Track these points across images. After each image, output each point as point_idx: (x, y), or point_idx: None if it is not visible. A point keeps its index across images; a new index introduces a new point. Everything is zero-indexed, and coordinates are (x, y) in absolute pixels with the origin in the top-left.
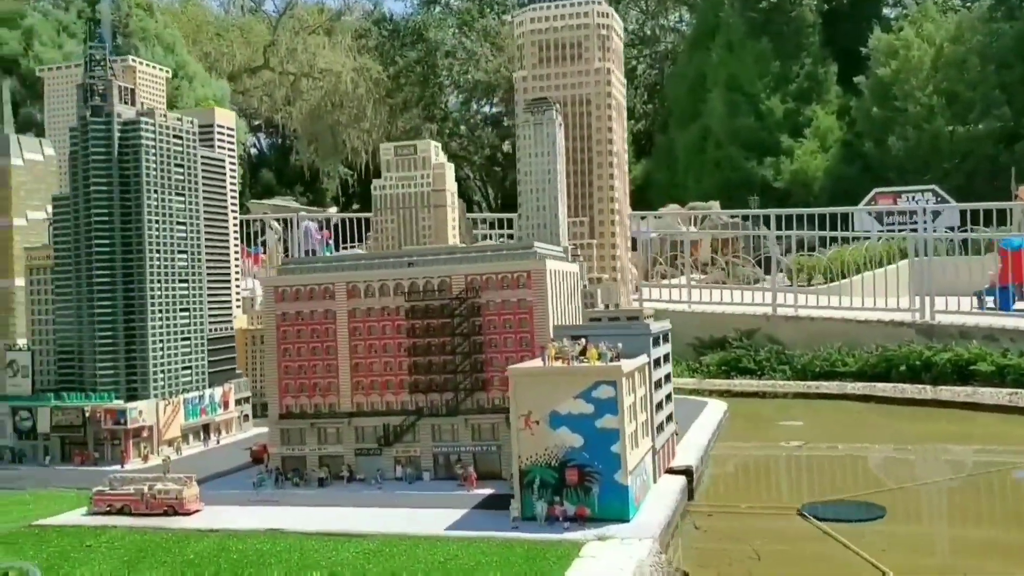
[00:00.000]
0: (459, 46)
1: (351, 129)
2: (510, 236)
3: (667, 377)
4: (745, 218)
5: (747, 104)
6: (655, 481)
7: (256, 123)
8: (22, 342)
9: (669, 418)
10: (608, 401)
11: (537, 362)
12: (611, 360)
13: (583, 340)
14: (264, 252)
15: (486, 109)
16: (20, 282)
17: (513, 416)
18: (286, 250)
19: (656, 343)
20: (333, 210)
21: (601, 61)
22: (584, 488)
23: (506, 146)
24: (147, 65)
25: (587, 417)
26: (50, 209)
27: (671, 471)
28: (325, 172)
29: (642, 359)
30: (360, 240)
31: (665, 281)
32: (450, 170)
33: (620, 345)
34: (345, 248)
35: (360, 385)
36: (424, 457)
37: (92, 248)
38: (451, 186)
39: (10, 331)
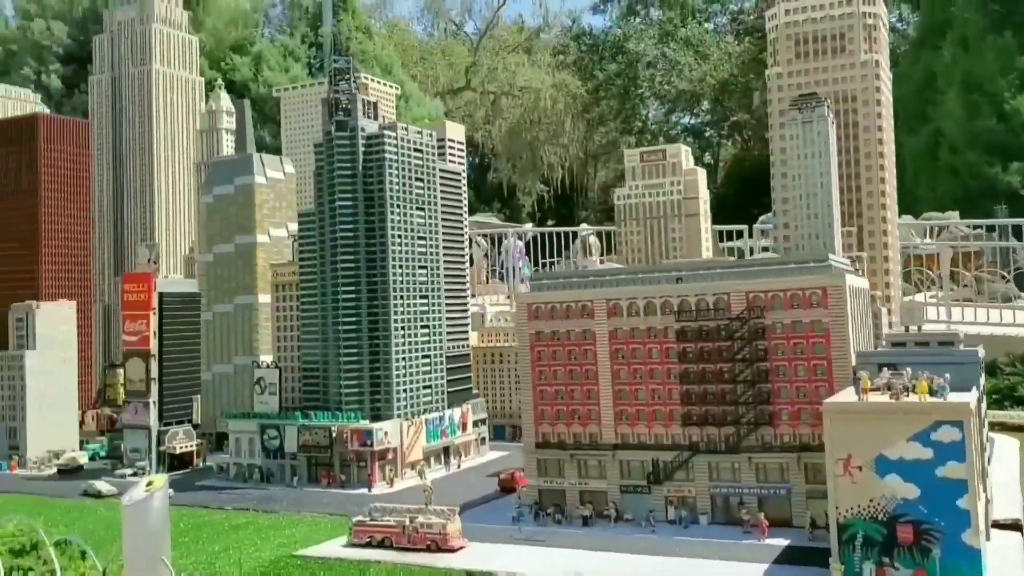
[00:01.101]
0: (660, 56)
1: (548, 145)
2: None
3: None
4: (991, 229)
5: (988, 105)
6: (988, 538)
7: None
8: (265, 358)
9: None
10: (952, 445)
11: (849, 395)
12: (942, 394)
13: (907, 370)
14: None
15: (685, 120)
16: (264, 298)
17: (829, 460)
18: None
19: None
20: (529, 226)
21: (868, 53)
22: (922, 549)
23: (707, 157)
24: (378, 82)
25: (925, 464)
26: (292, 227)
27: (997, 524)
28: (522, 189)
29: (975, 393)
30: (558, 255)
31: (907, 299)
32: (702, 176)
33: (948, 376)
34: (544, 264)
35: (624, 414)
36: (700, 498)
37: (337, 264)
38: (703, 193)
39: (254, 347)
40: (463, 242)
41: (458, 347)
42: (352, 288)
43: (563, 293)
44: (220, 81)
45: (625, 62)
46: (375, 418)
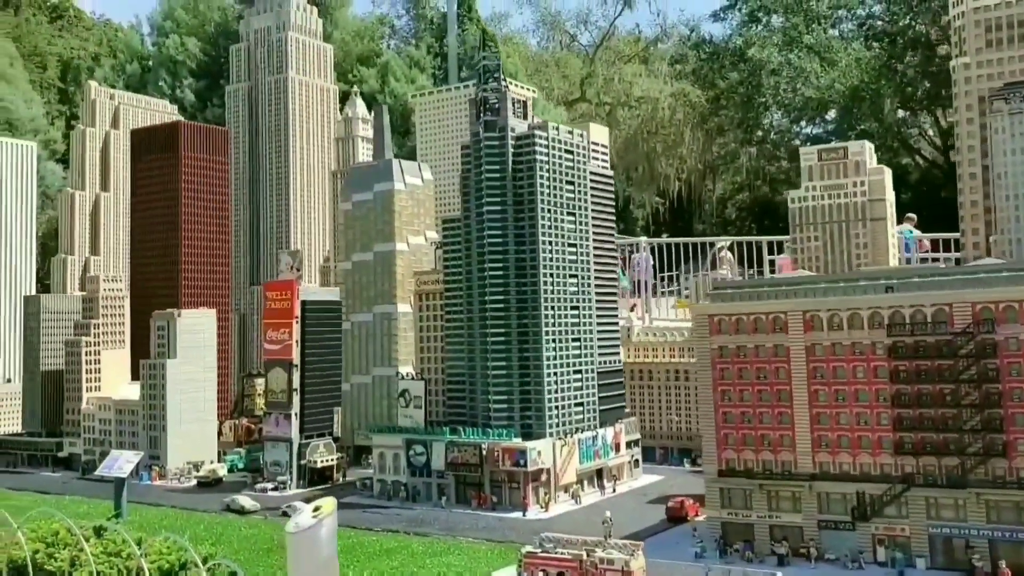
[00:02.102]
0: (785, 63)
1: (665, 156)
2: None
3: None
4: None
5: None
6: None
7: None
8: (405, 369)
9: None
10: None
11: None
12: None
13: None
14: None
15: (808, 130)
16: (403, 308)
17: None
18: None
19: None
20: (643, 239)
21: None
22: None
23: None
24: (516, 85)
25: None
26: (430, 234)
27: None
28: (636, 201)
29: None
30: (677, 268)
31: None
32: (888, 176)
33: None
34: (663, 277)
35: (823, 441)
36: (916, 538)
37: (485, 272)
38: (890, 195)
39: (392, 358)
40: (614, 250)
41: (610, 362)
42: (500, 297)
43: (750, 304)
44: (356, 88)
45: (747, 70)
46: (526, 436)
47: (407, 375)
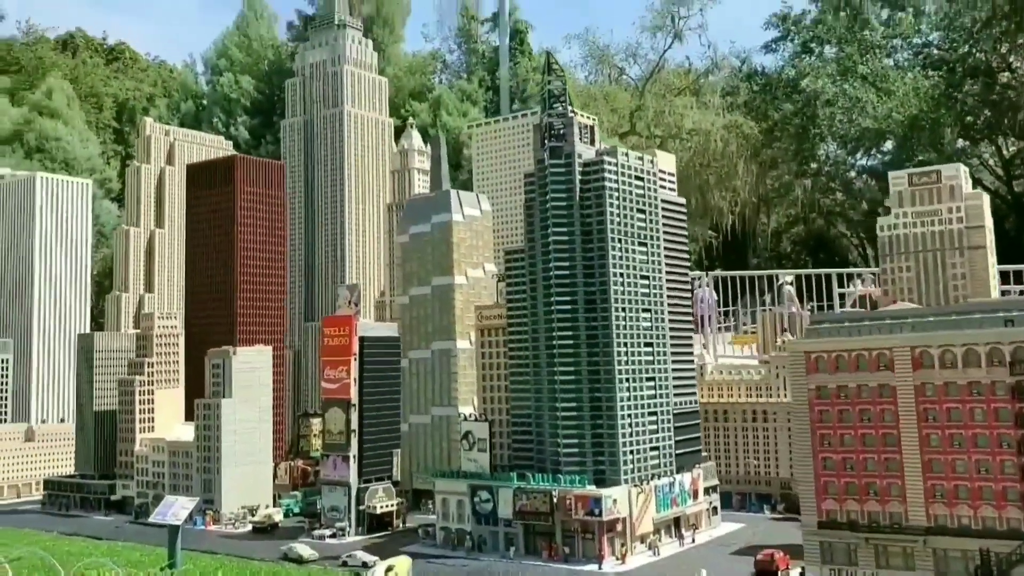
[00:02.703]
0: (840, 94)
1: (717, 189)
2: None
3: None
4: None
5: None
6: None
7: None
8: (465, 410)
9: None
10: None
11: None
12: None
13: None
14: None
15: (863, 162)
16: (462, 344)
17: None
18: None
19: None
20: (705, 273)
21: None
22: None
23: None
24: (578, 114)
25: None
26: (489, 267)
27: None
28: (689, 235)
29: None
30: (730, 302)
31: None
32: (986, 202)
33: None
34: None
35: (938, 491)
36: None
37: (552, 307)
38: (989, 222)
39: (452, 397)
40: (687, 283)
41: (686, 403)
42: (569, 333)
43: (851, 340)
44: (412, 120)
45: (801, 100)
46: (599, 482)
47: (470, 416)
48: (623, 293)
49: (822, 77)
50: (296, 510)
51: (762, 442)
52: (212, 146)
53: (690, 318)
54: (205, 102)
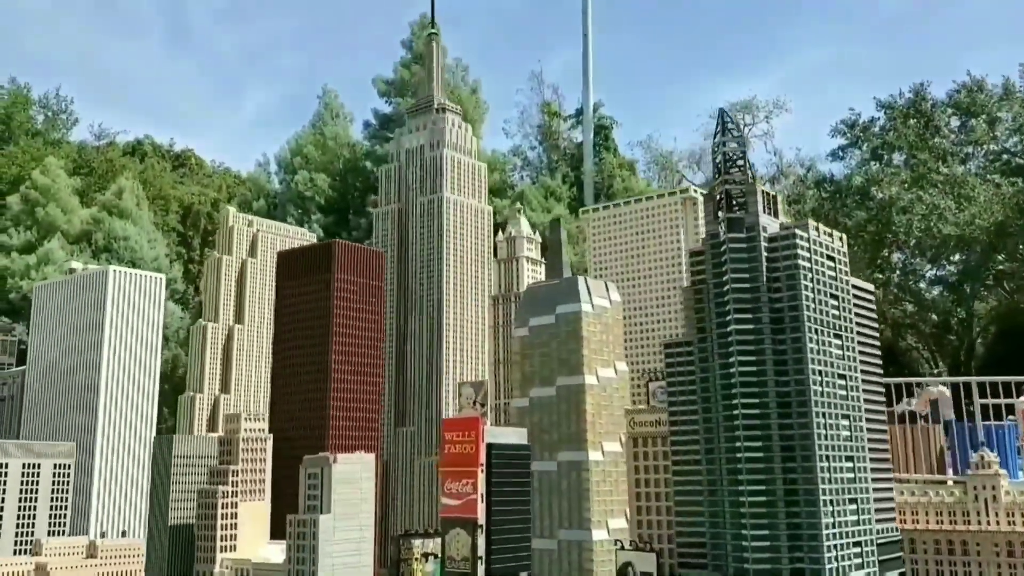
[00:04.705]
0: (916, 200)
1: None
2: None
3: None
4: None
5: None
6: None
7: None
8: (599, 534)
9: None
10: None
11: None
12: None
13: None
14: None
15: (932, 272)
16: (594, 455)
17: None
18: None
19: None
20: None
21: None
22: None
23: (960, 311)
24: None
25: None
26: (620, 365)
27: None
28: None
29: None
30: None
31: None
32: None
33: None
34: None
35: None
36: None
37: (735, 411)
38: None
39: (583, 519)
40: (881, 385)
41: (886, 531)
42: (759, 444)
43: None
44: (520, 206)
45: (876, 207)
46: None
47: (629, 544)
48: (821, 395)
49: (895, 184)
50: None
51: None
52: (296, 238)
53: (884, 423)
54: (277, 201)
